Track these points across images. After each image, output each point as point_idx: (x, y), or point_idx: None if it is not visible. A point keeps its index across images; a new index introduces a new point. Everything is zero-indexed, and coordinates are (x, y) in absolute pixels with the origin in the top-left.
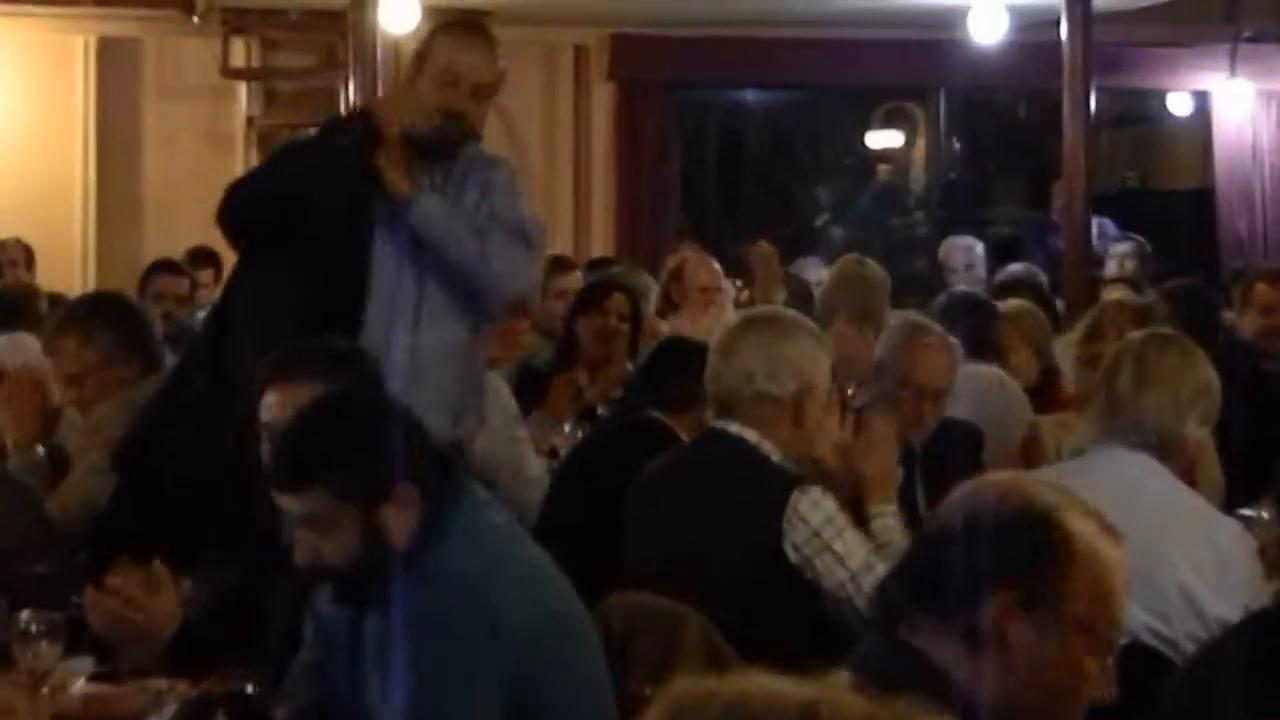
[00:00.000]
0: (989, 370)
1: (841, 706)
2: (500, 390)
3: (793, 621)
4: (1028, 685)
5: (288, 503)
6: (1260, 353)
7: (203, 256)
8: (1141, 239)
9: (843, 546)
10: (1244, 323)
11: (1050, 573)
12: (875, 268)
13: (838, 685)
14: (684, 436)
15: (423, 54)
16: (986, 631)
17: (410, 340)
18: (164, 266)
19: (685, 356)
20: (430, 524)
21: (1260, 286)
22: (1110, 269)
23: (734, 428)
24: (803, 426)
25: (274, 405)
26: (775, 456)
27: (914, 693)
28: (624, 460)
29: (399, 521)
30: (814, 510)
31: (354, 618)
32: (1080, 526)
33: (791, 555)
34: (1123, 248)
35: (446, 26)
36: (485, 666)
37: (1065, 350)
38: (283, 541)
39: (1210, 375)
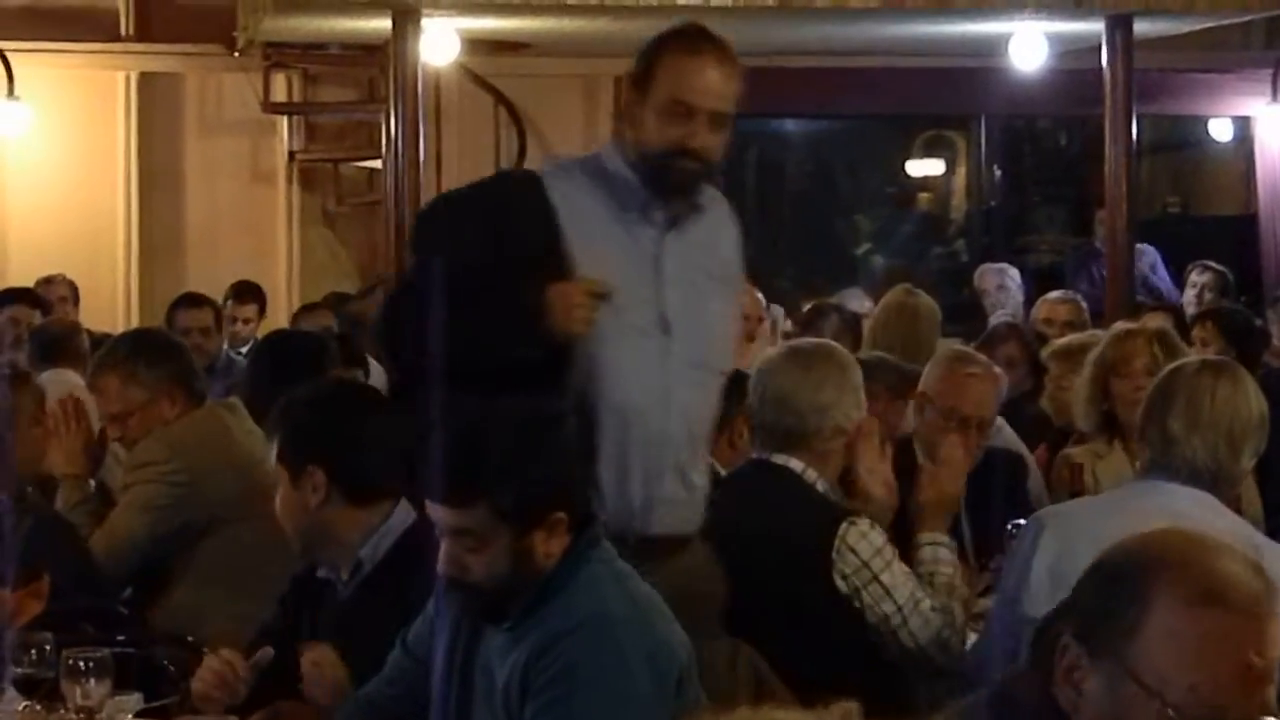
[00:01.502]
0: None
1: None
2: None
3: (843, 652)
4: None
5: (443, 515)
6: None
7: (246, 291)
8: (1222, 267)
9: (890, 579)
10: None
11: (1124, 625)
12: (925, 298)
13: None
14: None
15: (641, 76)
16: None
17: None
18: (186, 300)
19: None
20: (576, 555)
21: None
22: (1189, 298)
23: (780, 458)
24: (857, 459)
25: None
26: (821, 487)
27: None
28: None
29: (547, 548)
30: (862, 541)
31: (469, 646)
32: (1187, 590)
33: (841, 585)
34: (1204, 277)
35: (668, 41)
36: (633, 707)
37: None
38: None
39: (1262, 405)
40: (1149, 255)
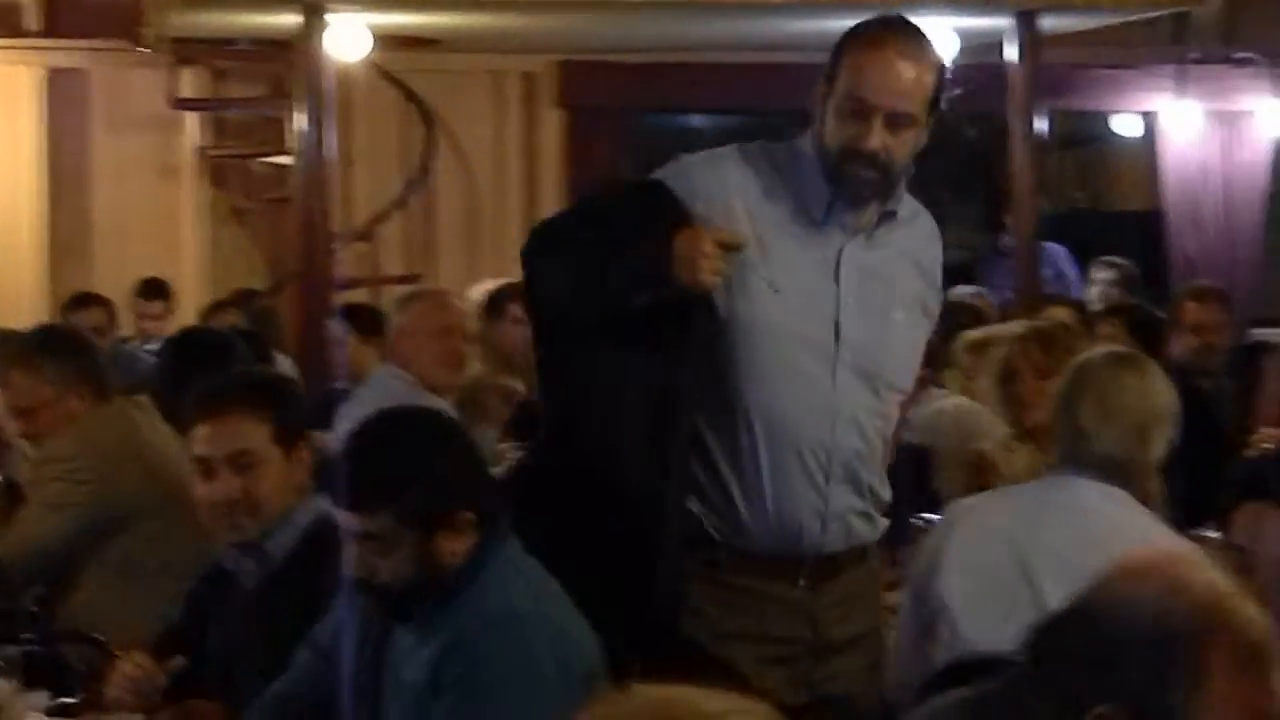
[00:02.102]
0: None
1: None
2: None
3: None
4: None
5: (348, 520)
6: (1195, 372)
7: (154, 288)
8: (1126, 262)
9: None
10: (1177, 343)
11: (1171, 703)
12: None
13: (758, 711)
14: None
15: (829, 69)
16: None
17: None
18: (77, 301)
19: None
20: (482, 554)
21: (1189, 305)
22: (1092, 295)
23: None
24: None
25: (200, 440)
26: None
27: None
28: None
29: (453, 547)
30: None
31: (379, 643)
32: (1238, 658)
33: None
34: (1107, 274)
35: (855, 32)
36: (542, 701)
37: None
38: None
39: (1172, 396)
40: (1052, 251)
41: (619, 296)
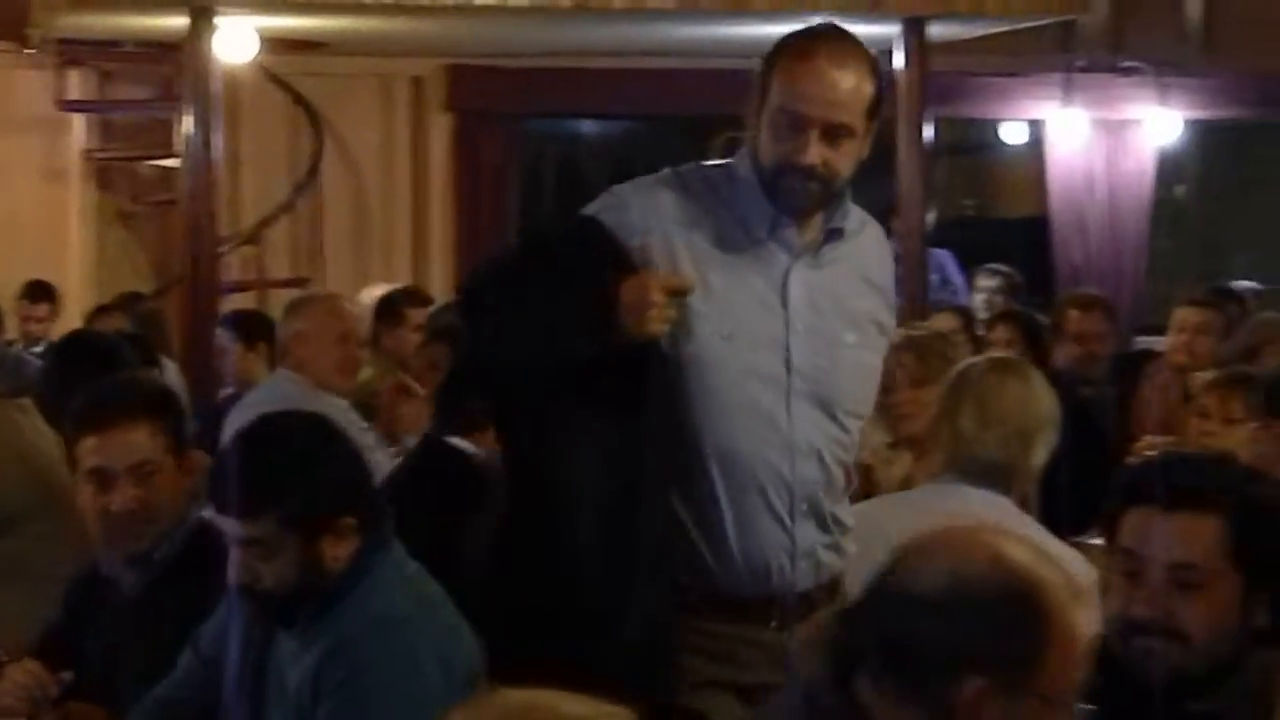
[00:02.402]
0: None
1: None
2: (353, 419)
3: None
4: None
5: (231, 526)
6: (1078, 380)
7: (39, 291)
8: (1010, 269)
9: None
10: (1060, 351)
11: (1030, 656)
12: None
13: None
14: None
15: (759, 81)
16: (956, 710)
17: None
18: None
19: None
20: (364, 559)
21: (1072, 313)
22: (977, 301)
23: None
24: None
25: (94, 450)
26: None
27: None
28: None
29: (336, 552)
30: None
31: (262, 648)
32: (1062, 601)
33: None
34: (992, 281)
35: (784, 46)
36: (425, 703)
37: None
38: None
39: (1053, 402)
40: (940, 258)
41: (566, 348)
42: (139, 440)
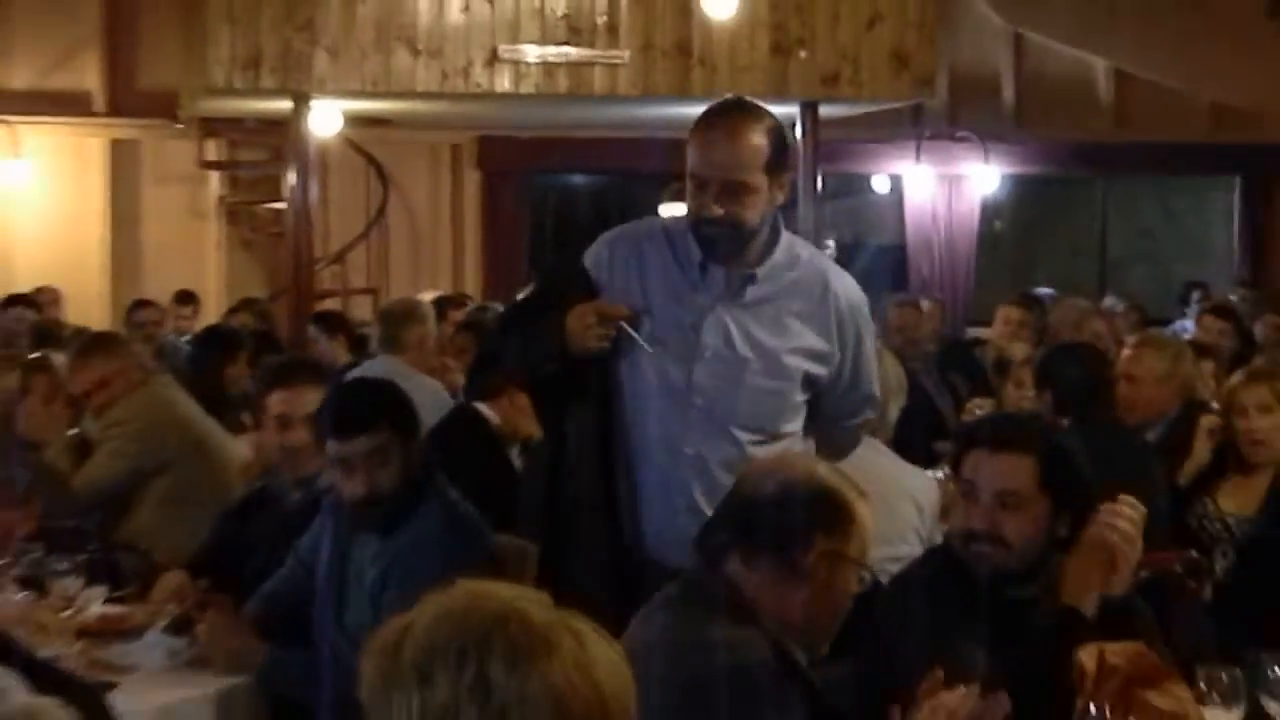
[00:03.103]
0: None
1: (531, 611)
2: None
3: None
4: (819, 603)
5: (354, 445)
6: (906, 358)
7: (186, 297)
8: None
9: None
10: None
11: (844, 530)
12: None
13: (535, 597)
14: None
15: (687, 153)
16: (798, 567)
17: None
18: (137, 305)
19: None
20: (420, 483)
21: (890, 310)
22: None
23: None
24: None
25: (283, 402)
26: None
27: (728, 609)
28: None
29: (417, 458)
30: None
31: (342, 552)
32: (852, 496)
33: None
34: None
35: (697, 120)
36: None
37: None
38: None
39: (900, 375)
40: None
41: (538, 362)
42: (311, 397)
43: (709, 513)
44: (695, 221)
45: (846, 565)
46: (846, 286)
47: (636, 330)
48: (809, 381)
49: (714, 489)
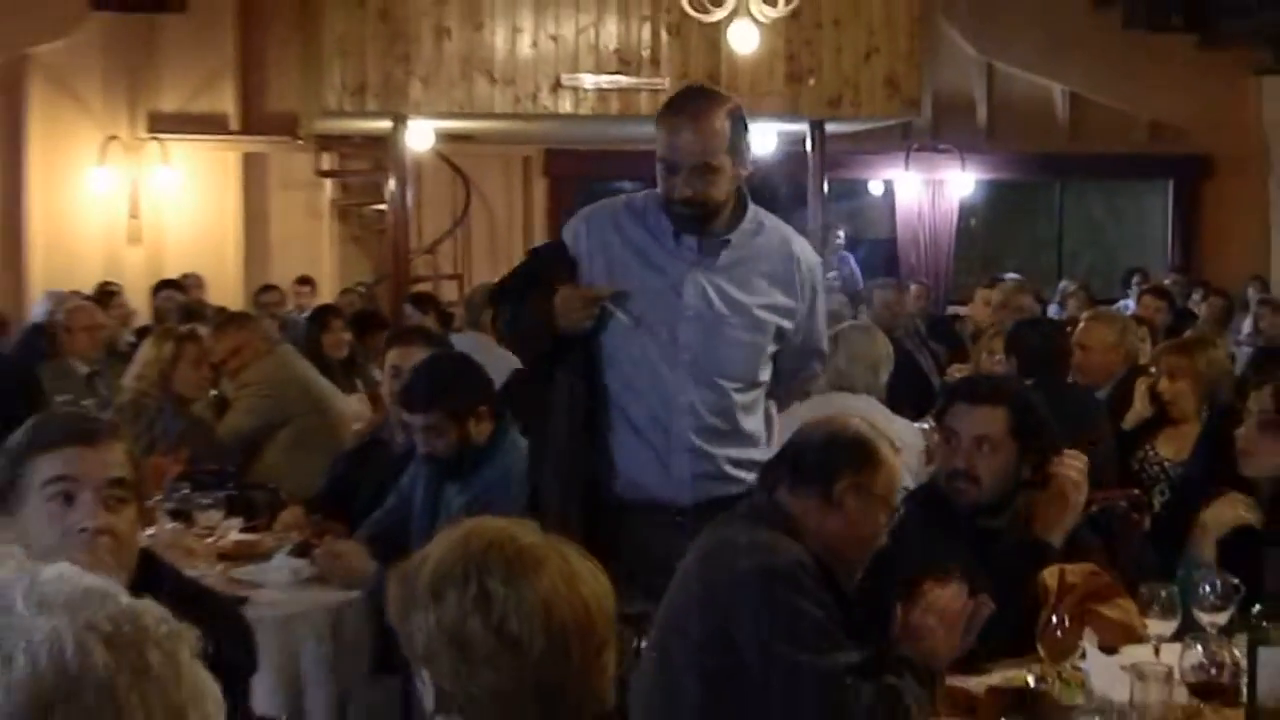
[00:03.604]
0: None
1: (520, 534)
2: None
3: None
4: (851, 530)
5: (420, 419)
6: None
7: (304, 281)
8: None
9: None
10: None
11: (871, 469)
12: None
13: (525, 524)
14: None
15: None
16: (834, 499)
17: None
18: (264, 289)
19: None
20: (497, 436)
21: (876, 292)
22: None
23: None
24: None
25: (396, 356)
26: None
27: (773, 524)
28: None
29: (479, 429)
30: None
31: (435, 491)
32: (883, 446)
33: None
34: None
35: (662, 109)
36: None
37: None
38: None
39: (888, 346)
40: (846, 258)
41: (529, 344)
42: (419, 355)
43: (706, 449)
44: (668, 200)
45: (874, 500)
46: (805, 249)
47: (620, 308)
48: (779, 334)
49: (704, 430)
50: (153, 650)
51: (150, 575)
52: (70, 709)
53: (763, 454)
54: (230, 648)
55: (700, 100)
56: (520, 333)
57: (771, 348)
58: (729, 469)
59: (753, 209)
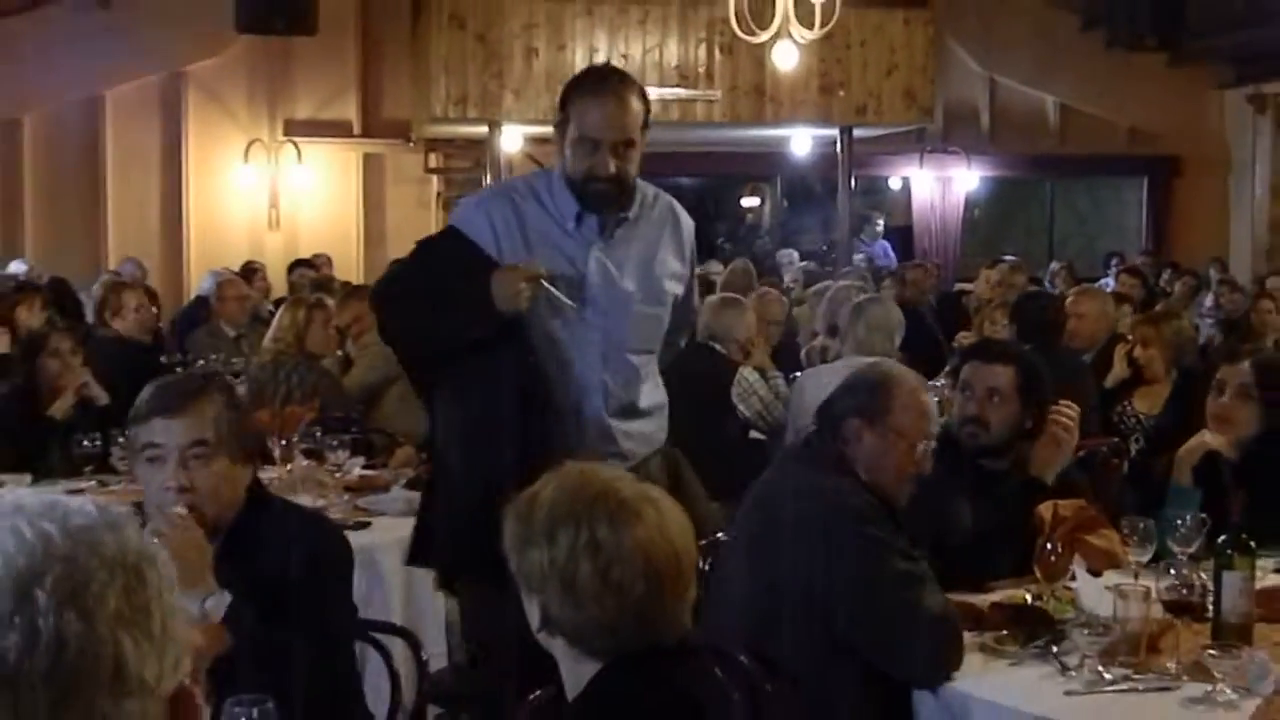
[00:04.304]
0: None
1: (622, 487)
2: None
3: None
4: (883, 460)
5: None
6: (916, 302)
7: None
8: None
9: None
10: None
11: (883, 407)
12: (748, 264)
13: (624, 476)
14: None
15: (561, 122)
16: (865, 433)
17: None
18: (305, 262)
19: None
20: None
21: (907, 270)
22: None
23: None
24: None
25: None
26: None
27: (831, 464)
28: None
29: None
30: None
31: None
32: (909, 380)
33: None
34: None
35: (575, 86)
36: None
37: None
38: None
39: (899, 314)
40: (883, 245)
41: (462, 330)
42: None
43: (619, 426)
44: (588, 178)
45: (892, 433)
46: (686, 216)
47: (554, 285)
48: (674, 300)
49: (617, 408)
50: (103, 531)
51: (258, 504)
52: (45, 579)
53: (657, 425)
54: (327, 552)
55: (617, 79)
56: (461, 324)
57: (669, 315)
58: (627, 445)
59: (640, 183)
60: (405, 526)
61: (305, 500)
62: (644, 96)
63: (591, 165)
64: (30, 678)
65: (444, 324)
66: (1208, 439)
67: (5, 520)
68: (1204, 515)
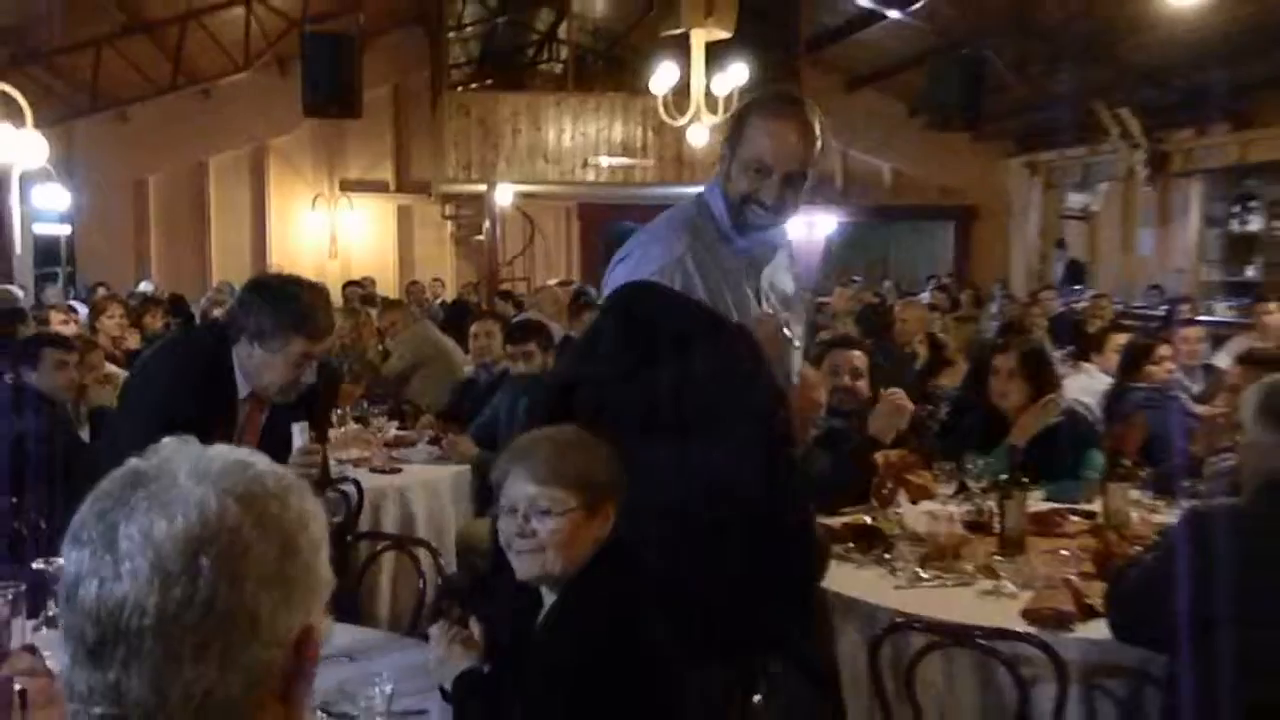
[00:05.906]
0: None
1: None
2: None
3: None
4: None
5: (520, 347)
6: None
7: (438, 281)
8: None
9: None
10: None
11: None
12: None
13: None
14: None
15: (734, 136)
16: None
17: None
18: (411, 285)
19: None
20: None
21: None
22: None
23: None
24: None
25: (478, 327)
26: None
27: None
28: None
29: (545, 361)
30: None
31: (511, 405)
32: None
33: None
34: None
35: (758, 106)
36: None
37: None
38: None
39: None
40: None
41: (742, 392)
42: (490, 324)
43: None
44: (747, 198)
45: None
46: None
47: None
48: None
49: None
50: (271, 501)
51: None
52: (212, 549)
53: None
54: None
55: (802, 107)
56: (730, 377)
57: None
58: None
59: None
60: (429, 472)
61: (354, 453)
62: (824, 129)
63: (754, 189)
64: (181, 627)
65: (727, 381)
66: (1051, 418)
67: (199, 488)
68: (990, 459)
